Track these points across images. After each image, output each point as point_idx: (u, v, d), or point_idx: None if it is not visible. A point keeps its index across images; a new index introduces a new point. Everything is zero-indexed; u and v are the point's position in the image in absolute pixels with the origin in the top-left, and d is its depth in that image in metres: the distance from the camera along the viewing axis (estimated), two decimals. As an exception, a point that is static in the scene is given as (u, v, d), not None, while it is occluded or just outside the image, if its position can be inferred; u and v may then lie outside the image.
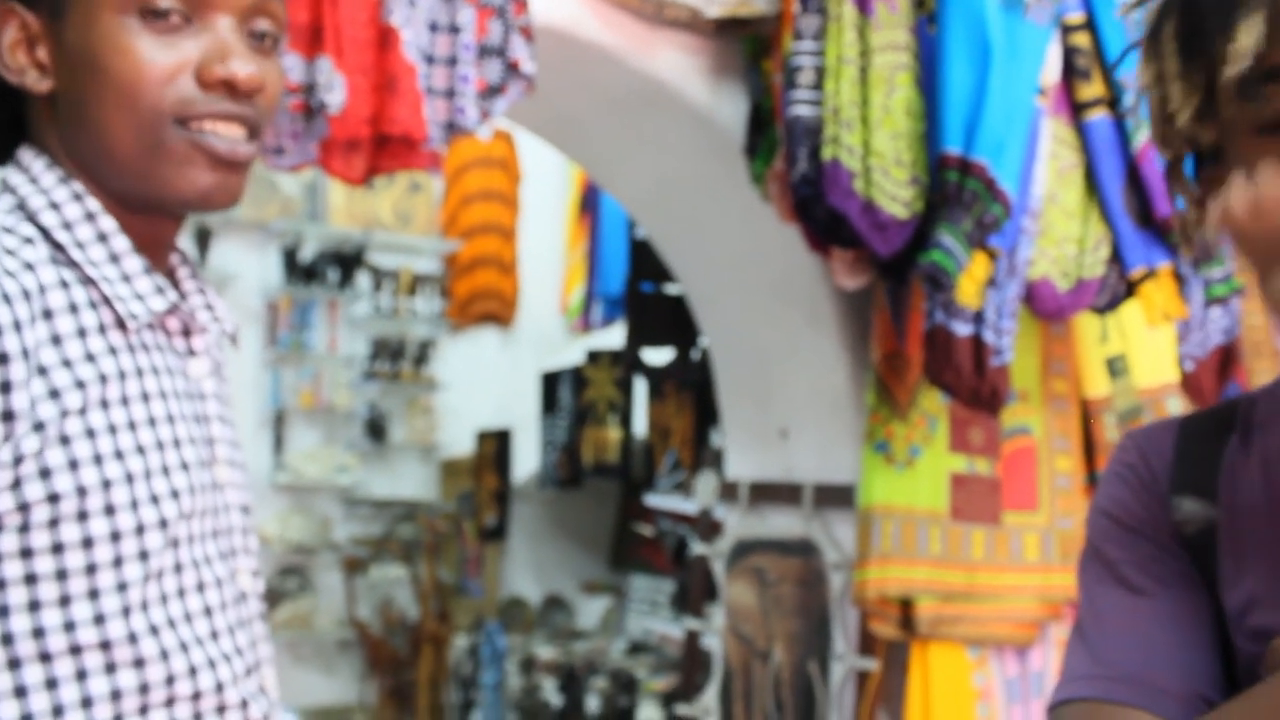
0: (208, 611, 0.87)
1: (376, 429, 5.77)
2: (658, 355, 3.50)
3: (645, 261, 3.30)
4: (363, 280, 5.91)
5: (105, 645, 0.79)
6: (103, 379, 0.80)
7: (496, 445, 5.56)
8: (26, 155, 0.86)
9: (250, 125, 0.86)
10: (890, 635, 2.33)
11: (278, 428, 5.72)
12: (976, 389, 2.08)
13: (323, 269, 5.77)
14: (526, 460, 5.57)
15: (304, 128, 1.95)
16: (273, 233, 5.64)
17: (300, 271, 5.72)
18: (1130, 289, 2.45)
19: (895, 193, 2.06)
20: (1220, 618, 0.84)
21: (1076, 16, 2.33)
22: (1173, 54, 0.73)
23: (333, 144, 1.98)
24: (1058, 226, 2.30)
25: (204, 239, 5.38)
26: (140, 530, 0.80)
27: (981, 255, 2.07)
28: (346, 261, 5.81)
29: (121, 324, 0.83)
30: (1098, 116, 2.35)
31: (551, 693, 4.55)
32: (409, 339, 5.93)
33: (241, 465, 0.97)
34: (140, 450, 0.82)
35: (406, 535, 5.47)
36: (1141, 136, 2.32)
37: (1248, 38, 0.68)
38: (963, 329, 2.07)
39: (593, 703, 4.35)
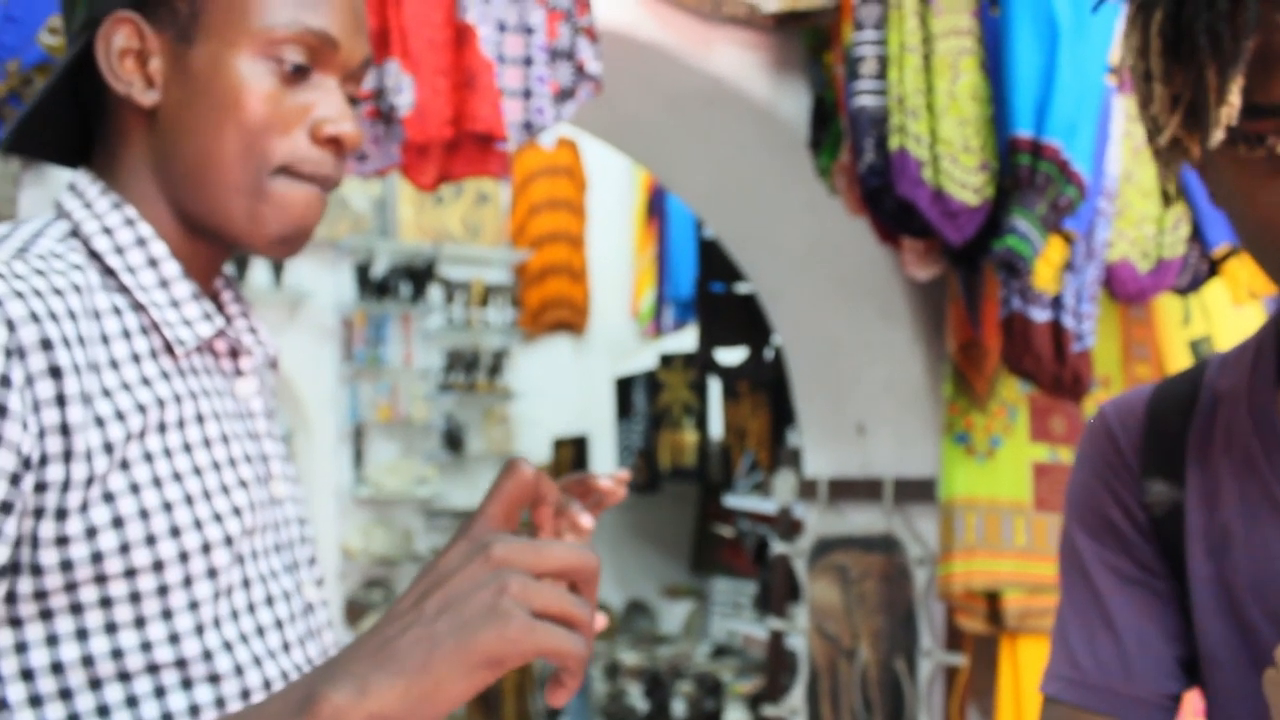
0: (278, 625, 0.88)
1: (454, 440, 5.82)
2: (731, 355, 3.48)
3: (714, 261, 3.28)
4: (434, 293, 5.97)
5: (181, 663, 0.80)
6: (159, 403, 0.81)
7: (573, 452, 5.57)
8: (82, 180, 0.88)
9: (335, 182, 0.88)
10: (978, 629, 2.29)
11: (357, 442, 5.80)
12: (1058, 375, 2.03)
13: (395, 284, 5.84)
14: (603, 466, 5.58)
15: (385, 133, 1.97)
16: (344, 250, 5.73)
17: (373, 287, 5.80)
18: (1213, 268, 2.38)
19: (965, 180, 2.03)
20: (1185, 598, 0.86)
21: (1146, -10, 2.27)
22: (1158, 53, 0.72)
23: (410, 147, 2.00)
24: (1135, 206, 2.25)
25: (278, 261, 5.49)
26: (206, 549, 0.82)
27: (1057, 239, 2.03)
28: (418, 275, 5.87)
29: (170, 349, 0.85)
30: (1174, 91, 2.29)
31: (637, 698, 4.55)
32: (482, 350, 5.98)
33: (295, 479, 0.98)
34: (198, 471, 0.83)
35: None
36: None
37: (1236, 94, 0.68)
38: (1041, 315, 2.03)
39: (679, 707, 4.34)
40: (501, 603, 0.60)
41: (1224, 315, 2.66)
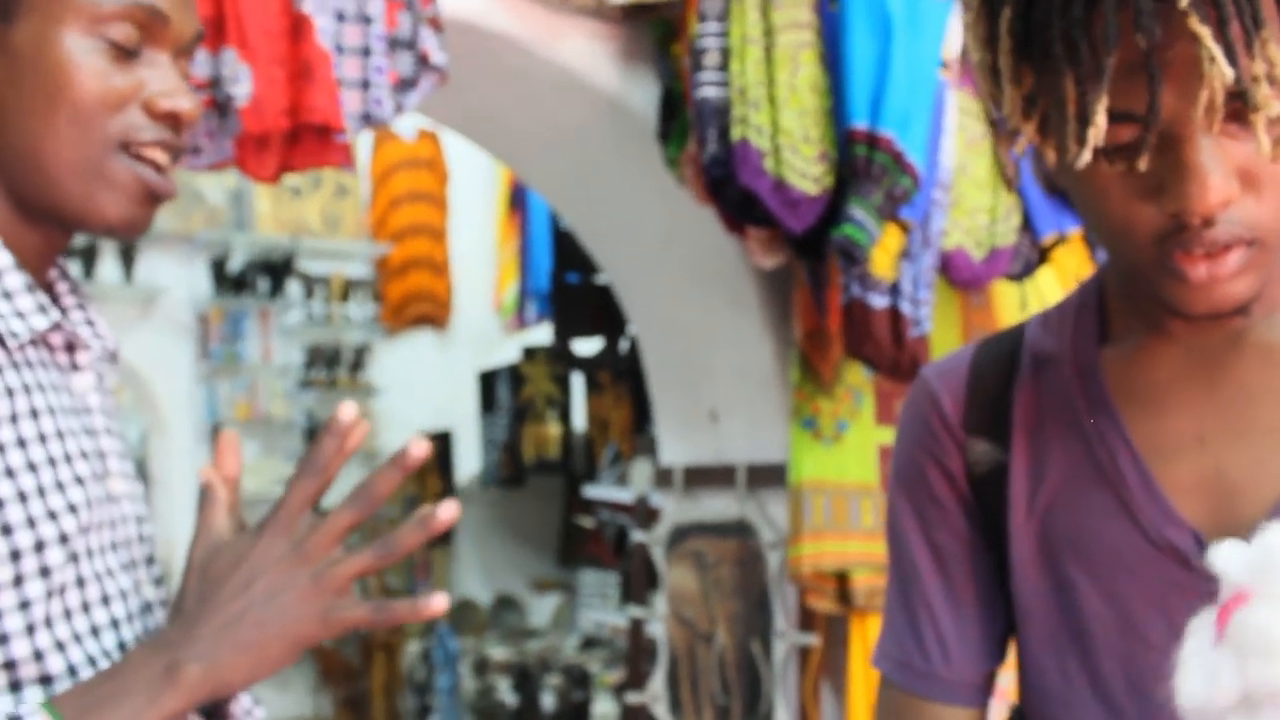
0: (114, 624, 0.86)
1: (315, 437, 5.71)
2: (588, 346, 3.49)
3: (571, 252, 3.29)
4: (294, 288, 5.84)
5: (10, 665, 0.78)
6: None
7: (438, 447, 5.53)
8: None
9: (179, 154, 0.87)
10: (828, 609, 2.35)
11: (215, 441, 5.64)
12: (896, 360, 2.10)
13: (252, 278, 5.70)
14: (468, 461, 5.55)
15: (219, 125, 1.92)
16: (199, 244, 5.56)
17: (229, 282, 5.64)
18: (1043, 255, 2.49)
19: (805, 169, 2.07)
20: (1004, 561, 0.88)
21: (978, -12, 2.35)
22: (1008, 52, 0.72)
23: (246, 140, 1.95)
24: (969, 197, 2.33)
25: (128, 254, 5.30)
26: (40, 547, 0.80)
27: (893, 227, 2.09)
28: (276, 270, 5.74)
29: (2, 342, 0.82)
30: (1004, 85, 2.38)
31: (506, 693, 4.54)
32: (344, 345, 5.87)
33: (133, 477, 0.96)
34: (32, 467, 0.81)
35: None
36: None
37: (1101, 115, 0.68)
38: (879, 301, 2.09)
39: (548, 700, 4.35)
40: (315, 596, 0.77)
41: (1057, 300, 2.78)
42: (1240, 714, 0.60)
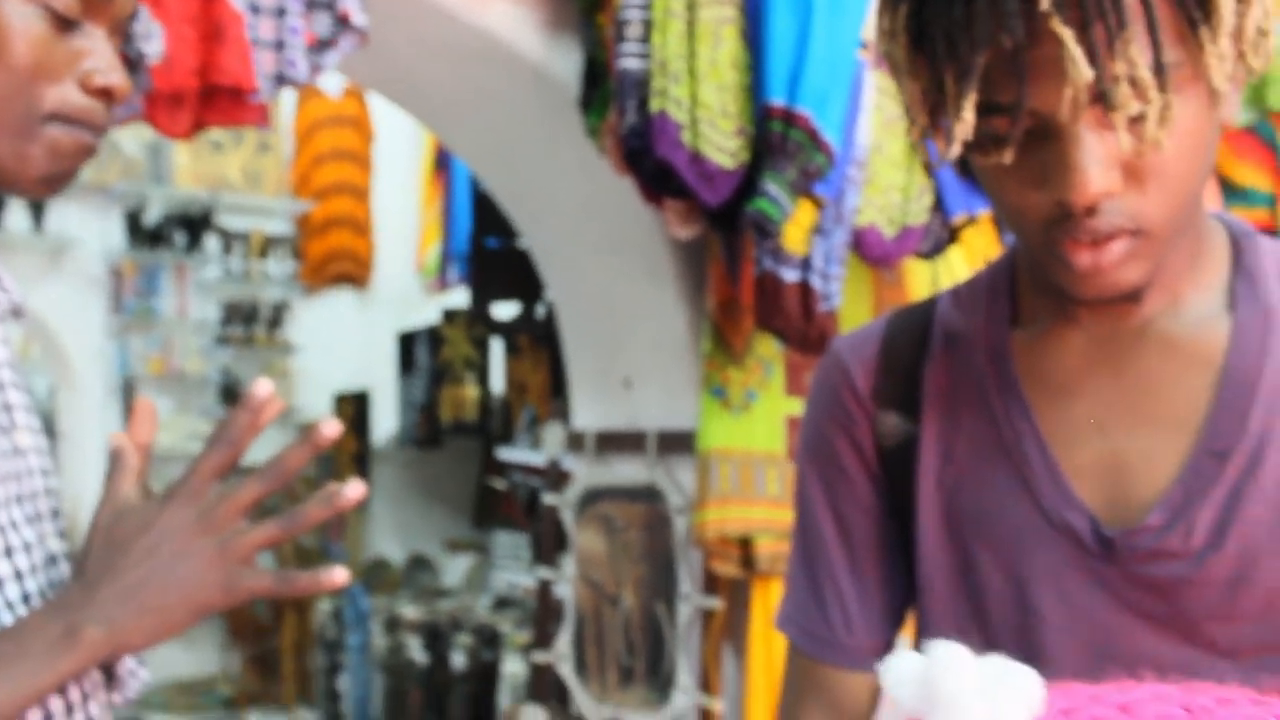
0: (18, 576, 0.87)
1: (231, 394, 5.65)
2: (507, 310, 3.50)
3: (491, 217, 3.30)
4: (211, 243, 5.75)
5: None
6: None
7: (355, 407, 5.50)
8: None
9: (104, 131, 0.89)
10: (732, 574, 2.41)
11: (127, 397, 5.55)
12: (805, 333, 2.15)
13: (169, 232, 5.60)
14: (385, 422, 5.53)
15: (131, 81, 1.90)
16: (114, 196, 5.45)
17: (145, 236, 5.54)
18: (953, 235, 2.56)
19: (722, 143, 2.11)
20: (907, 532, 0.90)
21: (899, -29, 2.40)
22: (903, 47, 0.75)
23: (158, 97, 1.93)
24: (883, 176, 2.39)
25: (38, 204, 5.17)
26: None
27: (806, 203, 2.14)
28: (193, 224, 5.65)
29: None
30: (919, 69, 2.44)
31: (417, 651, 4.56)
32: (262, 302, 5.81)
33: (40, 431, 0.97)
34: None
35: (265, 502, 5.38)
36: (959, 88, 2.42)
37: (970, 110, 0.71)
38: (790, 275, 2.14)
39: (458, 659, 4.38)
40: (220, 564, 0.80)
41: (966, 278, 2.86)
42: None
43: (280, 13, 1.94)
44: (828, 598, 0.93)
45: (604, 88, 2.39)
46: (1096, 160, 0.71)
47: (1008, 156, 0.74)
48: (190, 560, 0.79)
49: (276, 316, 5.80)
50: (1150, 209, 0.74)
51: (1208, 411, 0.80)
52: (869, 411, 0.91)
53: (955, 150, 0.73)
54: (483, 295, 3.37)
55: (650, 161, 2.10)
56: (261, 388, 0.83)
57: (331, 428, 0.82)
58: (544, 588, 2.84)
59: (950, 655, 0.57)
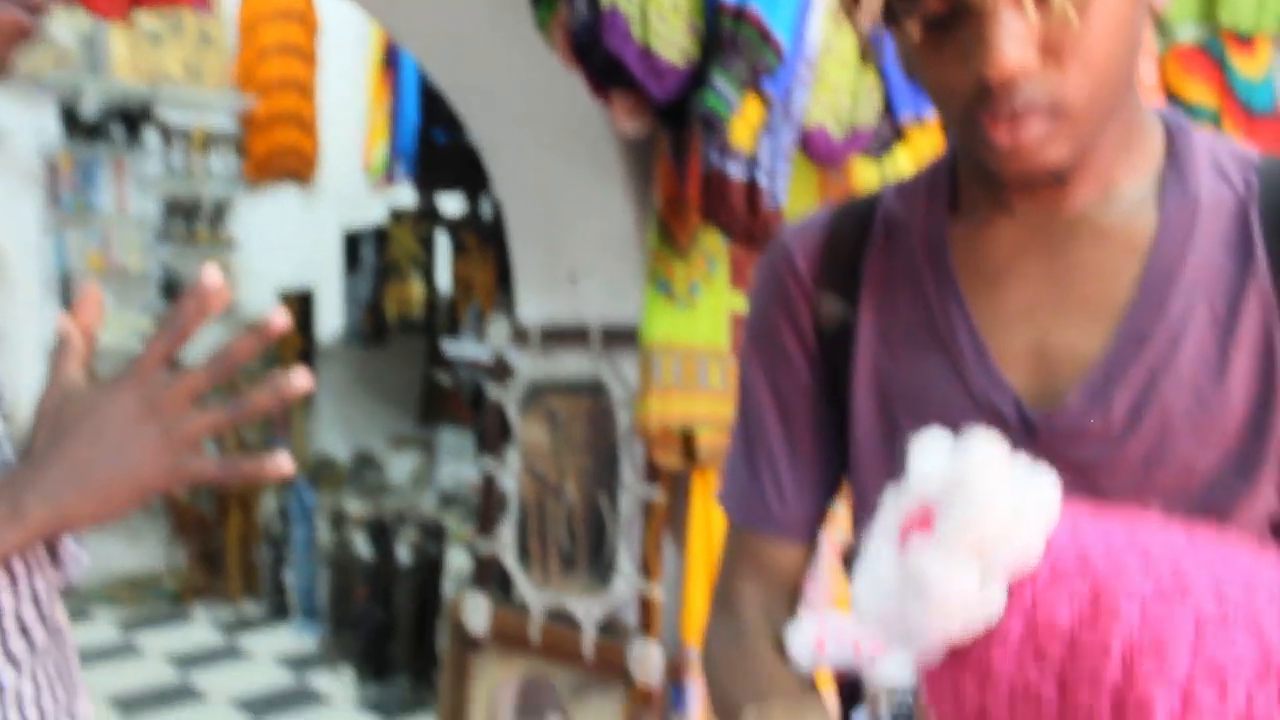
0: None
1: (172, 291, 5.61)
2: (452, 205, 3.49)
3: (439, 111, 3.27)
4: (151, 138, 5.64)
5: None
6: None
7: (299, 306, 5.48)
8: None
9: (40, 7, 0.86)
10: (673, 465, 2.47)
11: (65, 293, 5.48)
12: (750, 229, 2.19)
13: (106, 126, 5.48)
14: (330, 320, 5.52)
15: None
16: (48, 87, 5.31)
17: (81, 129, 5.42)
18: (900, 136, 2.60)
19: (672, 39, 2.12)
20: (844, 417, 0.94)
21: None
22: None
23: (97, -24, 1.90)
24: (832, 75, 2.41)
25: (-31, 90, 5.03)
26: None
27: (754, 100, 2.16)
28: (132, 118, 5.53)
29: None
30: (869, -31, 2.45)
31: (362, 546, 4.63)
32: (204, 199, 5.73)
33: None
34: None
35: (208, 399, 5.37)
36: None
37: None
38: (737, 172, 2.17)
39: (403, 553, 4.44)
40: (166, 449, 0.81)
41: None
42: (901, 629, 0.60)
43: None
44: (763, 471, 0.97)
45: (554, -20, 2.37)
46: (1012, 36, 0.73)
47: (915, 33, 0.76)
48: (135, 443, 0.80)
49: (219, 213, 5.73)
50: (1070, 88, 0.75)
51: (1130, 297, 0.82)
52: (810, 296, 0.94)
53: (867, 19, 0.76)
54: (428, 187, 3.35)
55: (599, 55, 2.10)
56: (211, 276, 0.82)
57: (280, 318, 0.82)
58: (487, 479, 2.89)
59: (985, 450, 0.59)
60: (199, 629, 5.22)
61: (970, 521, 0.56)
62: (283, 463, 0.83)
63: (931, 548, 0.58)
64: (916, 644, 0.59)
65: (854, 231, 0.95)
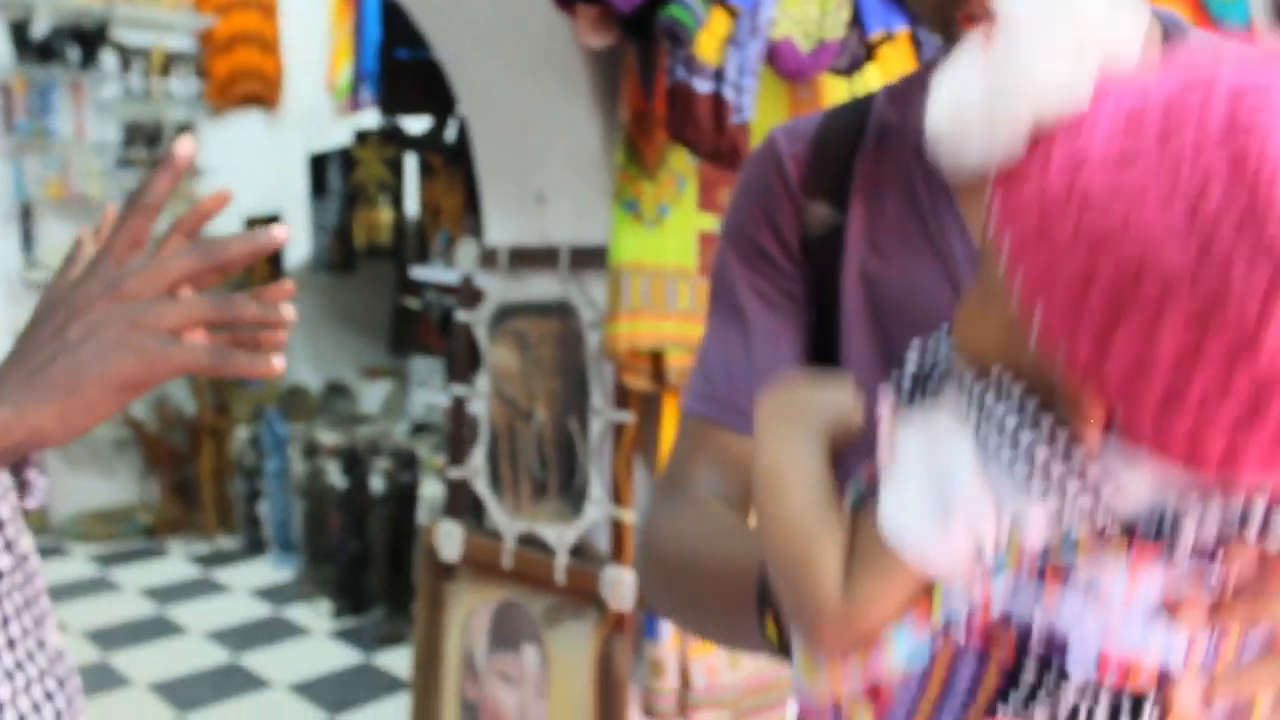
0: None
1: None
2: (418, 125, 3.40)
3: (403, 28, 3.17)
4: (108, 60, 5.49)
5: None
6: None
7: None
8: None
9: None
10: (643, 387, 2.44)
11: (25, 221, 5.37)
12: (717, 145, 2.13)
13: (60, 47, 5.32)
14: (298, 246, 5.43)
15: None
16: (-3, 4, 5.14)
17: (34, 50, 5.26)
18: (870, 52, 2.53)
19: (636, -55, 2.04)
20: (828, 323, 0.90)
21: None
22: None
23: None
24: (800, -14, 2.33)
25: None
26: None
27: (720, 12, 2.09)
28: (87, 38, 5.37)
29: None
30: (841, -126, 2.36)
31: (336, 476, 4.60)
32: (165, 123, 5.59)
33: None
34: None
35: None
36: (881, -105, 2.35)
37: None
38: (703, 85, 2.11)
39: (377, 482, 4.42)
40: (135, 334, 0.71)
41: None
42: (980, 136, 0.54)
43: None
44: (734, 365, 0.93)
45: (515, -114, 2.28)
46: None
47: None
48: (101, 330, 0.72)
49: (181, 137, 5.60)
50: None
51: None
52: (797, 201, 0.91)
53: None
54: (393, 108, 3.26)
55: (561, -38, 2.02)
56: (184, 146, 0.76)
57: (281, 230, 0.77)
58: (458, 405, 2.85)
59: None
60: (174, 563, 5.20)
61: (1065, 9, 0.53)
62: (276, 362, 0.77)
63: (1022, 30, 0.54)
64: (999, 133, 0.54)
65: (845, 134, 0.91)
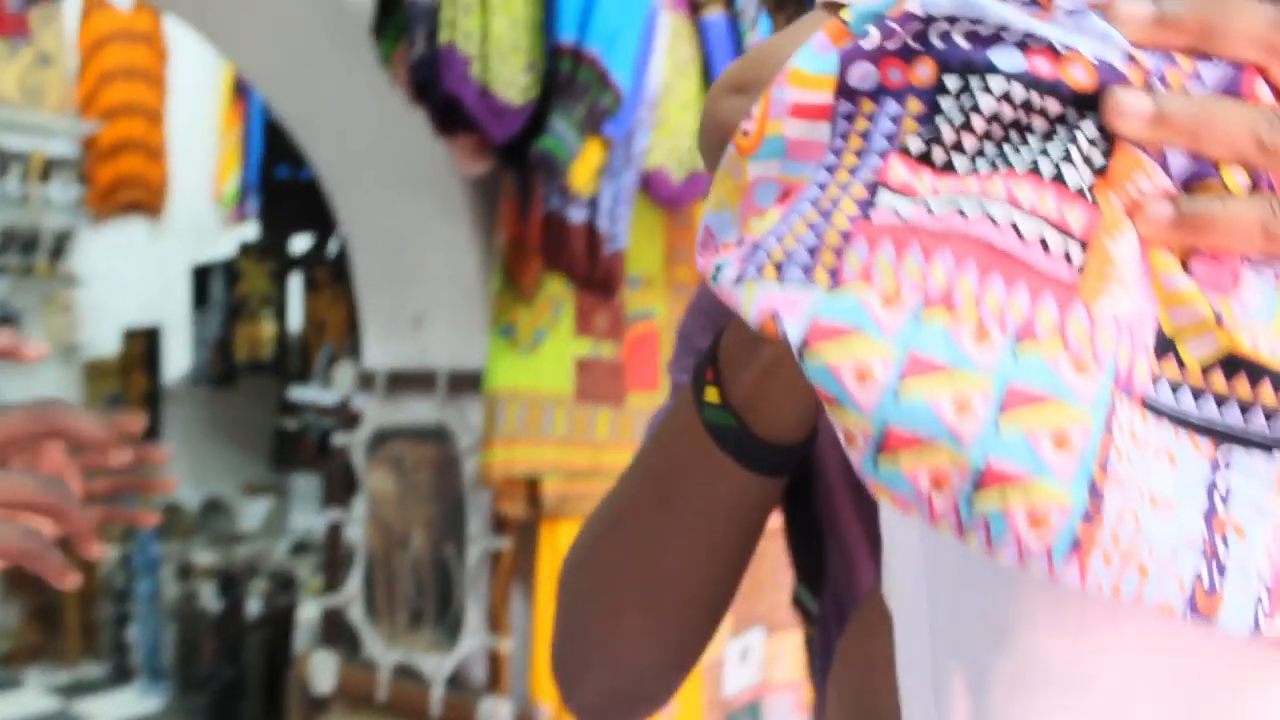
0: None
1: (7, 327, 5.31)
2: (300, 244, 3.37)
3: (285, 145, 3.16)
4: (-15, 165, 5.36)
5: None
6: None
7: (145, 344, 5.24)
8: None
9: None
10: (519, 515, 2.40)
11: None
12: (591, 274, 2.14)
13: (-66, 151, 5.19)
14: (178, 359, 5.29)
15: None
16: None
17: (-94, 153, 5.12)
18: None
19: (511, 78, 2.07)
20: None
21: (698, -86, 2.39)
22: None
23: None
24: (673, 118, 2.39)
25: None
26: None
27: (595, 143, 2.12)
28: (-37, 143, 5.24)
29: None
30: (714, 14, 2.44)
31: (210, 598, 4.43)
32: (43, 229, 5.45)
33: None
34: None
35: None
36: (753, 36, 2.43)
37: None
38: (577, 215, 2.13)
39: (254, 605, 4.26)
40: None
41: (761, 226, 2.90)
42: None
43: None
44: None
45: (397, 14, 2.30)
46: None
47: None
48: None
49: (59, 245, 5.46)
50: None
51: None
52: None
53: None
54: (275, 228, 3.23)
55: (439, 94, 2.03)
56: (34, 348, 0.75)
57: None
58: (334, 530, 2.77)
59: None
60: (31, 695, 4.90)
61: None
62: (71, 578, 0.71)
63: None
64: None
65: None
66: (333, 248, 3.24)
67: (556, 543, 2.42)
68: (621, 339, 2.49)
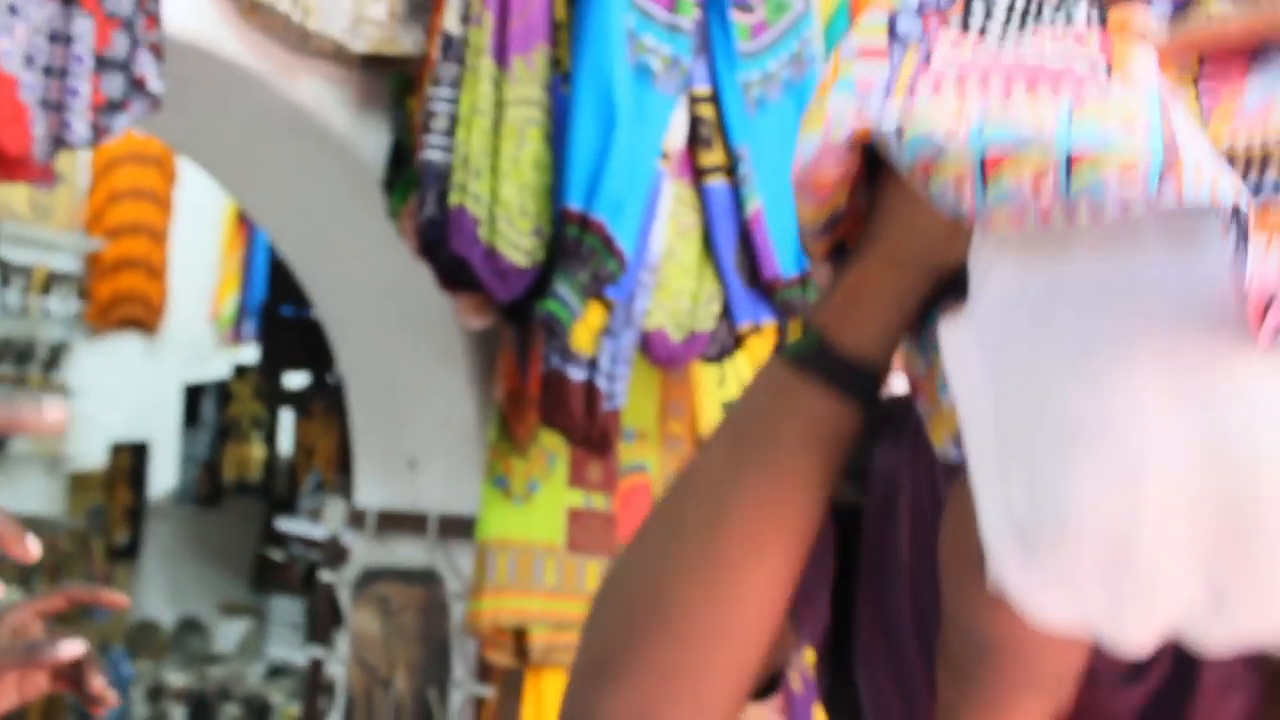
0: None
1: (-3, 440, 5.33)
2: (298, 379, 3.43)
3: (286, 283, 3.25)
4: (-12, 275, 5.44)
5: None
6: None
7: (132, 459, 5.25)
8: None
9: None
10: (505, 664, 2.42)
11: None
12: (587, 431, 2.20)
13: (-61, 261, 5.27)
14: (165, 476, 5.30)
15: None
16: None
17: (-89, 262, 5.20)
18: (739, 341, 2.67)
19: (518, 241, 2.16)
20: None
21: (703, 89, 2.50)
22: None
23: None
24: (674, 281, 2.48)
25: None
26: None
27: (597, 305, 2.20)
28: (-31, 253, 5.33)
29: None
30: (716, 182, 2.55)
31: (180, 722, 4.36)
32: (39, 341, 5.51)
33: None
34: None
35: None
36: (753, 203, 2.54)
37: None
38: (577, 374, 2.20)
39: (224, 731, 4.21)
40: None
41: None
42: None
43: (62, 73, 1.87)
44: None
45: (408, 171, 2.41)
46: None
47: None
48: None
49: (54, 357, 5.51)
50: None
51: None
52: None
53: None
54: (273, 364, 3.30)
55: (446, 254, 2.12)
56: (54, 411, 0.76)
57: (72, 648, 0.80)
58: (316, 666, 2.78)
59: None
60: (-10, 810, 4.78)
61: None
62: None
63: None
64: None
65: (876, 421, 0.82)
66: (331, 381, 3.31)
67: (542, 692, 2.43)
68: (614, 491, 2.54)
